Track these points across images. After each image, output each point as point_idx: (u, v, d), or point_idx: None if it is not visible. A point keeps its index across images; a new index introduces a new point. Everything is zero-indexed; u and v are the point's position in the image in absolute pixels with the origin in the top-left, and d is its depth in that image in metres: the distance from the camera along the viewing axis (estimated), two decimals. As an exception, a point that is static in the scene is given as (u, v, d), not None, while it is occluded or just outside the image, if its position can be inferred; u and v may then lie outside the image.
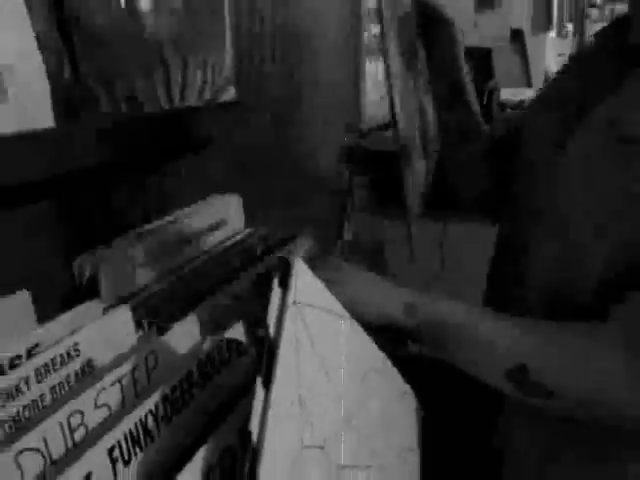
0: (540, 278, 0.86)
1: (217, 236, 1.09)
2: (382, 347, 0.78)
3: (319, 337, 0.56)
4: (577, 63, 0.95)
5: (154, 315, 0.84)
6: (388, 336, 0.80)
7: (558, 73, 1.01)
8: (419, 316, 0.78)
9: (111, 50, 0.85)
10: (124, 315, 0.77)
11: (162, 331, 0.75)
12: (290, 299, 0.52)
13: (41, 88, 0.73)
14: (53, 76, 0.75)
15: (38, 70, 0.73)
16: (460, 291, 0.96)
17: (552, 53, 4.12)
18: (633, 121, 0.74)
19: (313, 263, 0.79)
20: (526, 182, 0.94)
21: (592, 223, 0.77)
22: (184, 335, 0.73)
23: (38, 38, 0.73)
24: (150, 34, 0.91)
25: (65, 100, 0.78)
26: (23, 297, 0.77)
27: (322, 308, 0.59)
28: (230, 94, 1.09)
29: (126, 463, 0.55)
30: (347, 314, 0.65)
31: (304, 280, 0.55)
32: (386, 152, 1.83)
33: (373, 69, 2.16)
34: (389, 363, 0.78)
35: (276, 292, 0.52)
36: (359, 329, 0.68)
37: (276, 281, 0.53)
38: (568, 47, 4.50)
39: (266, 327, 0.51)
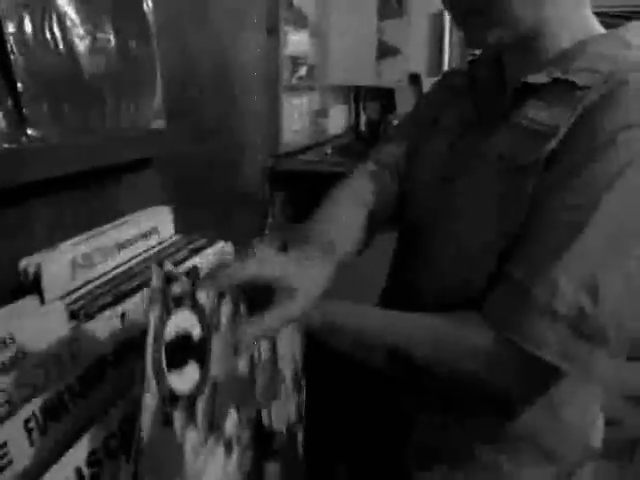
0: (433, 286, 0.85)
1: (149, 242, 1.07)
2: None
3: None
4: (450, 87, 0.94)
5: (87, 309, 0.82)
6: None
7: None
8: (317, 319, 0.75)
9: (52, 87, 0.83)
10: (58, 308, 0.75)
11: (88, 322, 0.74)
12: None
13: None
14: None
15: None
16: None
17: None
18: (522, 155, 0.73)
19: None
20: (418, 203, 0.92)
21: (480, 241, 0.77)
22: (106, 325, 0.72)
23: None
24: (87, 73, 0.90)
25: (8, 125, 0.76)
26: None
27: None
28: (159, 124, 1.08)
29: (42, 433, 0.54)
30: None
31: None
32: (301, 172, 1.84)
33: (297, 103, 2.17)
34: None
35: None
36: None
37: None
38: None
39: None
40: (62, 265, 0.86)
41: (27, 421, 0.52)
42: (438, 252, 0.84)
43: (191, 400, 0.54)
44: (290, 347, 0.81)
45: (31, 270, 0.84)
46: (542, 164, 0.70)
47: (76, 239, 0.93)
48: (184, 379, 0.53)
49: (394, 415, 0.94)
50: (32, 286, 0.83)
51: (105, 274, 0.94)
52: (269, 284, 0.63)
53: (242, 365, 0.66)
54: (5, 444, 0.49)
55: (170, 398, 0.51)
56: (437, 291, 0.84)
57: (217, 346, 0.58)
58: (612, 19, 0.88)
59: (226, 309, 0.60)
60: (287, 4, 1.81)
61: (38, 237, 0.88)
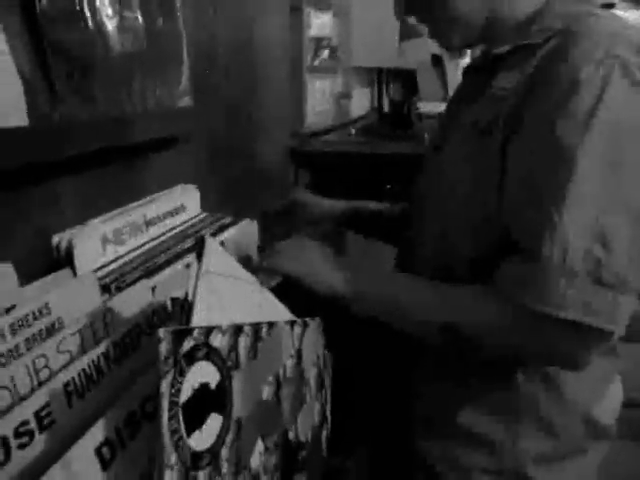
0: (426, 251, 0.89)
1: (176, 219, 1.09)
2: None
3: (226, 297, 0.58)
4: (463, 76, 0.98)
5: (118, 282, 0.84)
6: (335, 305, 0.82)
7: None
8: (357, 291, 0.81)
9: (82, 64, 0.84)
10: (91, 281, 0.77)
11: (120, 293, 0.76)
12: (202, 270, 0.54)
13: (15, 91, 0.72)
14: (27, 81, 0.74)
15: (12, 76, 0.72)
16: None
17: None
18: (483, 118, 0.77)
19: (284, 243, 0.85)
20: (419, 174, 0.98)
21: (460, 203, 0.79)
22: (138, 296, 0.74)
23: (13, 50, 0.72)
24: (116, 51, 0.91)
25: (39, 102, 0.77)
26: (7, 268, 0.77)
27: (229, 275, 0.60)
28: (186, 102, 1.09)
29: (80, 396, 0.56)
30: (253, 279, 0.67)
31: (215, 254, 0.57)
32: (324, 152, 1.85)
33: (320, 85, 2.17)
34: (288, 315, 0.77)
35: (194, 264, 0.54)
36: (264, 290, 0.70)
37: (194, 255, 0.55)
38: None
39: (186, 290, 0.53)
40: (93, 240, 0.89)
41: (66, 385, 0.54)
42: (429, 221, 0.88)
43: (214, 452, 0.52)
44: (314, 347, 0.81)
45: (63, 245, 0.86)
46: (501, 124, 0.73)
47: (106, 216, 0.95)
48: (205, 435, 0.51)
49: (402, 390, 0.97)
50: (65, 261, 0.86)
51: (134, 250, 0.96)
52: None
53: (267, 391, 0.64)
54: (48, 404, 0.51)
55: (192, 460, 0.49)
56: (428, 258, 0.88)
57: (238, 385, 0.56)
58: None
59: (244, 342, 0.58)
60: (311, -16, 1.81)
61: (69, 213, 0.90)
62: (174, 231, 1.06)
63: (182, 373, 0.47)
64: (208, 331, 0.51)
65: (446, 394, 0.89)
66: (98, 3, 0.86)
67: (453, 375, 0.88)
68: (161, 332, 0.45)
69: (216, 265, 0.56)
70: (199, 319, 0.51)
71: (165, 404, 0.45)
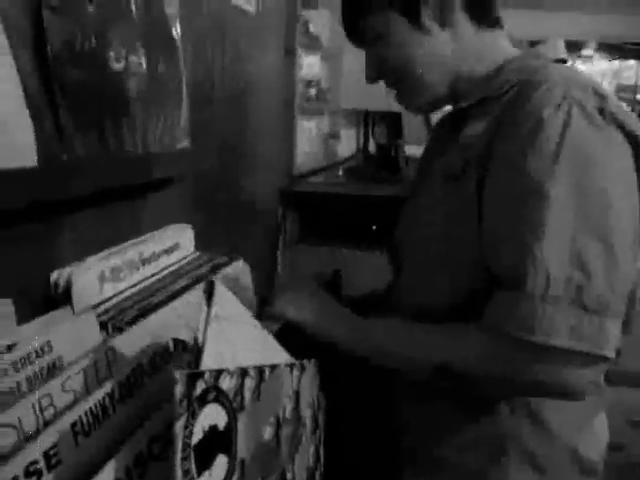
0: (406, 296, 0.94)
1: (171, 257, 1.10)
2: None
3: (233, 340, 0.60)
4: (434, 130, 1.06)
5: (116, 320, 0.85)
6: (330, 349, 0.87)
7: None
8: (355, 335, 0.87)
9: (89, 106, 0.87)
10: (90, 319, 0.78)
11: (121, 333, 0.77)
12: (212, 314, 0.56)
13: (27, 133, 0.74)
14: (37, 122, 0.76)
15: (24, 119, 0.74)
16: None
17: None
18: (453, 165, 0.83)
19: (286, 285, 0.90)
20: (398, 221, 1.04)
21: (436, 247, 0.84)
22: (138, 335, 0.75)
23: (26, 93, 0.74)
24: (121, 94, 0.94)
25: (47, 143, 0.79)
26: (6, 305, 0.77)
27: (236, 320, 0.62)
28: (185, 143, 1.12)
29: (86, 435, 0.57)
30: (256, 323, 0.69)
31: (223, 299, 0.59)
32: (312, 193, 1.88)
33: (308, 125, 2.22)
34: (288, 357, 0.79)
35: (203, 309, 0.56)
36: (265, 333, 0.72)
37: (204, 301, 0.57)
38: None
39: (195, 335, 0.54)
40: (91, 278, 0.90)
41: (74, 424, 0.55)
42: (407, 266, 0.94)
43: None
44: (310, 389, 0.82)
45: (62, 282, 0.87)
46: (473, 168, 0.78)
47: (103, 253, 0.97)
48: (214, 476, 0.52)
49: (389, 425, 1.00)
50: (62, 297, 0.87)
51: (130, 287, 0.97)
52: None
53: (268, 433, 0.65)
54: (56, 444, 0.52)
55: None
56: (409, 302, 0.92)
57: (243, 426, 0.57)
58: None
59: (249, 384, 0.59)
60: (304, 29, 1.86)
61: (67, 250, 0.91)
62: (169, 269, 1.07)
63: (194, 415, 0.48)
64: (218, 374, 0.52)
65: (432, 427, 0.91)
66: (106, 47, 0.89)
67: (438, 409, 0.89)
68: (177, 374, 0.46)
69: (224, 309, 0.58)
70: (208, 362, 0.53)
71: (179, 445, 0.46)
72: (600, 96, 0.73)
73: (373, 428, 1.04)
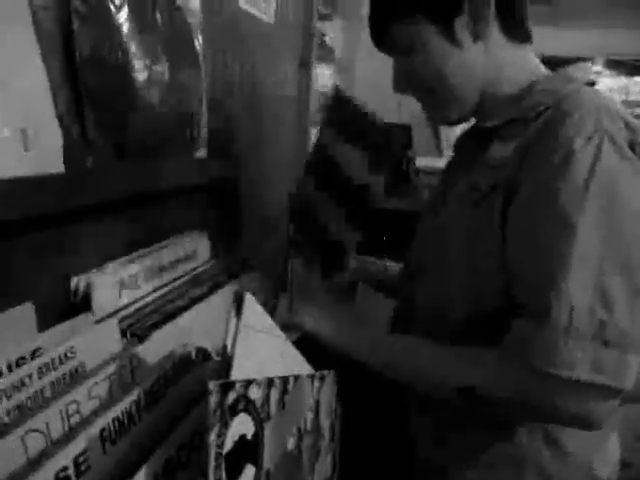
0: (424, 312, 0.93)
1: (188, 265, 1.11)
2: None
3: (260, 351, 0.60)
4: (458, 145, 1.04)
5: (136, 327, 0.86)
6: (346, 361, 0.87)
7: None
8: (381, 355, 0.87)
9: (113, 109, 0.87)
10: (112, 326, 0.78)
11: (141, 340, 0.77)
12: (241, 324, 0.56)
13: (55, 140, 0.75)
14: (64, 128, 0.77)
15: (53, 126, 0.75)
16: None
17: (459, 130, 4.26)
18: (479, 186, 0.82)
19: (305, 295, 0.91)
20: (415, 238, 1.03)
21: (460, 265, 0.84)
22: (160, 342, 0.75)
23: (55, 101, 0.75)
24: (145, 102, 0.94)
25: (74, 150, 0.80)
26: (28, 309, 0.78)
27: (263, 330, 0.63)
28: (203, 152, 1.13)
29: (113, 443, 0.57)
30: (281, 333, 0.69)
31: (252, 310, 0.59)
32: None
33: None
34: (308, 368, 0.79)
35: (232, 319, 0.56)
36: (289, 344, 0.72)
37: (233, 312, 0.57)
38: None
39: (225, 344, 0.55)
40: (111, 284, 0.90)
41: (102, 430, 0.55)
42: (427, 281, 0.93)
43: None
44: (329, 399, 0.83)
45: (81, 289, 0.87)
46: (500, 191, 0.77)
47: (122, 260, 0.97)
48: None
49: (405, 446, 0.99)
50: (82, 303, 0.87)
51: (149, 294, 0.98)
52: None
53: (291, 443, 0.66)
54: (86, 450, 0.52)
55: None
56: (427, 318, 0.91)
57: (268, 436, 0.58)
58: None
59: (274, 395, 0.60)
60: (319, 41, 1.88)
61: (87, 257, 0.92)
62: (186, 277, 1.08)
63: (226, 425, 0.49)
64: (247, 384, 0.53)
65: (449, 445, 0.91)
66: (131, 57, 0.90)
67: (456, 429, 0.89)
68: (211, 385, 0.46)
69: (252, 320, 0.58)
70: (237, 372, 0.53)
71: (212, 455, 0.46)
72: (631, 129, 0.73)
73: (387, 439, 1.04)
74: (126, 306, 0.92)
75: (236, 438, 0.50)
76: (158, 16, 0.96)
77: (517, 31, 0.86)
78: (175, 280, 1.05)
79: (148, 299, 0.96)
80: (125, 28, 0.87)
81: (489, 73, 0.86)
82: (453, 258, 0.85)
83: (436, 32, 0.83)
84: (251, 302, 0.59)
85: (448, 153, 3.17)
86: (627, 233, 0.69)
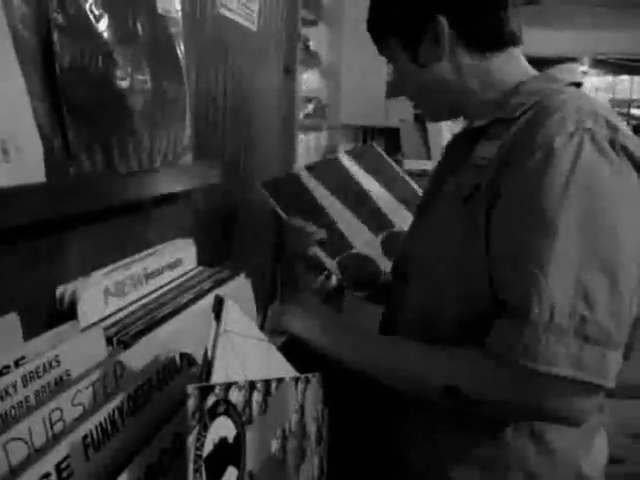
0: (411, 313, 0.94)
1: (174, 272, 1.11)
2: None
3: (241, 354, 0.61)
4: (448, 147, 1.05)
5: (122, 335, 0.86)
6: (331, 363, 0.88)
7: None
8: (364, 356, 0.88)
9: (96, 123, 0.88)
10: (97, 334, 0.79)
11: (127, 347, 0.77)
12: (221, 329, 0.57)
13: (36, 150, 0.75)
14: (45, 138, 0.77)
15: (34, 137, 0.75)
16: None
17: (447, 133, 4.29)
18: (465, 187, 0.83)
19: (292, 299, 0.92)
20: (405, 239, 1.05)
21: (448, 264, 0.85)
22: (145, 349, 0.75)
23: (35, 111, 0.76)
24: (127, 111, 0.95)
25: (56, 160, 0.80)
26: (12, 319, 0.78)
27: (244, 334, 0.63)
28: (187, 159, 1.13)
29: (96, 449, 0.57)
30: (263, 337, 0.70)
31: (233, 314, 0.60)
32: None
33: (305, 141, 2.23)
34: (293, 371, 0.80)
35: (212, 324, 0.57)
36: (272, 347, 0.73)
37: (213, 315, 0.58)
38: (459, 128, 4.69)
39: (205, 349, 0.55)
40: (96, 293, 0.90)
41: (84, 437, 0.55)
42: (414, 282, 0.94)
43: None
44: (314, 403, 0.83)
45: (67, 297, 0.88)
46: (484, 191, 0.79)
47: (108, 268, 0.97)
48: None
49: (392, 447, 1.00)
50: (68, 312, 0.87)
51: (135, 302, 0.98)
52: None
53: (275, 446, 0.66)
54: (68, 457, 0.52)
55: None
56: (414, 319, 0.93)
57: (251, 439, 0.58)
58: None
59: (256, 397, 0.60)
60: (303, 46, 1.89)
61: (72, 265, 0.92)
62: (172, 284, 1.08)
63: (205, 428, 0.49)
64: (227, 387, 0.53)
65: (436, 445, 0.91)
66: (113, 66, 0.91)
67: (442, 431, 0.90)
68: (189, 389, 0.47)
69: (233, 324, 0.59)
70: (218, 376, 0.54)
71: (191, 458, 0.47)
72: (612, 127, 0.74)
73: (376, 442, 1.05)
74: (112, 314, 0.92)
75: (217, 441, 0.51)
76: (139, 25, 0.97)
77: (489, 42, 0.88)
78: (161, 287, 1.06)
79: (134, 307, 0.97)
80: (105, 38, 0.88)
81: (468, 84, 0.90)
82: (442, 258, 0.86)
83: (403, 52, 0.91)
84: (232, 306, 0.60)
85: (436, 156, 3.19)
86: (607, 230, 0.71)
